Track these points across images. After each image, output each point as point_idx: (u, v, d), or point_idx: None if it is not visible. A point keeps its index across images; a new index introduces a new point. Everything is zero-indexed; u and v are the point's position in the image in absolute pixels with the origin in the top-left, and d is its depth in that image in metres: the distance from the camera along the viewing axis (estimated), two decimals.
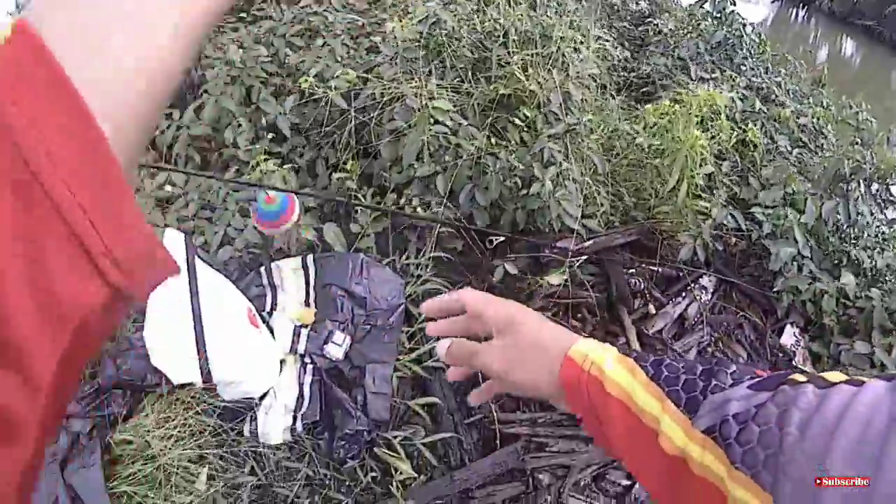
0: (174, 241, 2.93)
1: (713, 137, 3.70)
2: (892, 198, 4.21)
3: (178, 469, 2.93)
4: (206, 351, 2.95)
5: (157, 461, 2.90)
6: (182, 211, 3.45)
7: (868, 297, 3.63)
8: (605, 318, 3.72)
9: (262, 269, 3.47)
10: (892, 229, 4.22)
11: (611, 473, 3.40)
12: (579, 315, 3.65)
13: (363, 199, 3.50)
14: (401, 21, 3.56)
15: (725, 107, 3.72)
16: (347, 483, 3.25)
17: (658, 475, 0.75)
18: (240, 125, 3.58)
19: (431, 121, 3.33)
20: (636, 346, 3.59)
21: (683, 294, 3.86)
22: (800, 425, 0.62)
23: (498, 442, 3.41)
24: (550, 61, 3.63)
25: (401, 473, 3.23)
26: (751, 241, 3.96)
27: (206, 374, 2.97)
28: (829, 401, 0.62)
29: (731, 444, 0.66)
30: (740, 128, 4.09)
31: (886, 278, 3.94)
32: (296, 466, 3.23)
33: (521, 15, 3.68)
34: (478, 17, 3.70)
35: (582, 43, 3.76)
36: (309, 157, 3.66)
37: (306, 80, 3.45)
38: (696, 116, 3.56)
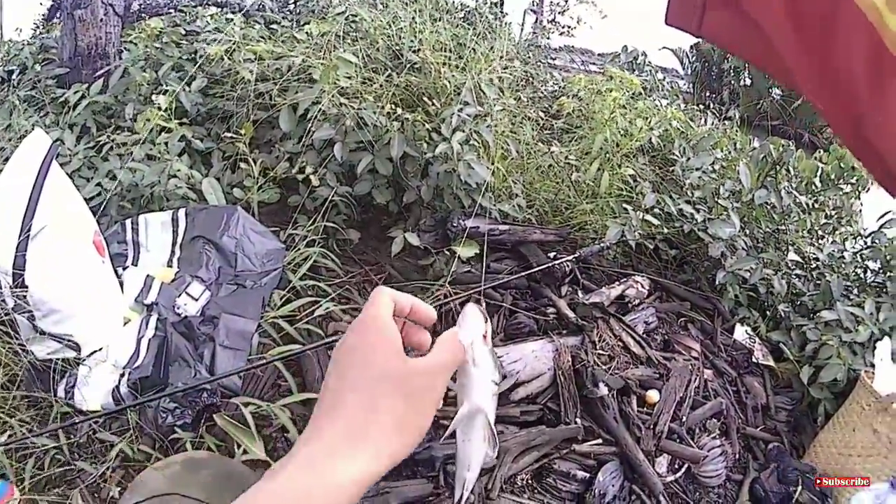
0: (38, 142, 2.64)
1: (631, 122, 3.55)
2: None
3: None
4: (25, 254, 2.48)
5: None
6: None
7: (820, 275, 3.24)
8: (526, 293, 3.19)
9: (129, 222, 3.06)
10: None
11: (559, 464, 2.62)
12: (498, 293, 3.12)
13: (252, 165, 3.21)
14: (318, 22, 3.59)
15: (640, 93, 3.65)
16: None
17: None
18: (144, 100, 3.44)
19: (334, 76, 3.17)
20: (569, 313, 3.01)
21: (618, 283, 3.34)
22: None
23: None
24: (463, 63, 3.59)
25: (245, 452, 2.47)
26: (683, 238, 3.56)
27: (20, 280, 2.46)
28: None
29: None
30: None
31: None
32: (110, 440, 2.50)
33: (438, 26, 3.72)
34: (394, 24, 3.73)
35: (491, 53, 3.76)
36: (206, 146, 3.43)
37: (216, 51, 3.37)
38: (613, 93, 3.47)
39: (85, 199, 2.93)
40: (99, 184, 3.12)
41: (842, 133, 0.91)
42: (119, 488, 2.39)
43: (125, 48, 3.76)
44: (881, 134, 0.81)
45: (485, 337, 0.88)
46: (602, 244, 3.27)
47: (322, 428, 0.68)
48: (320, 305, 2.96)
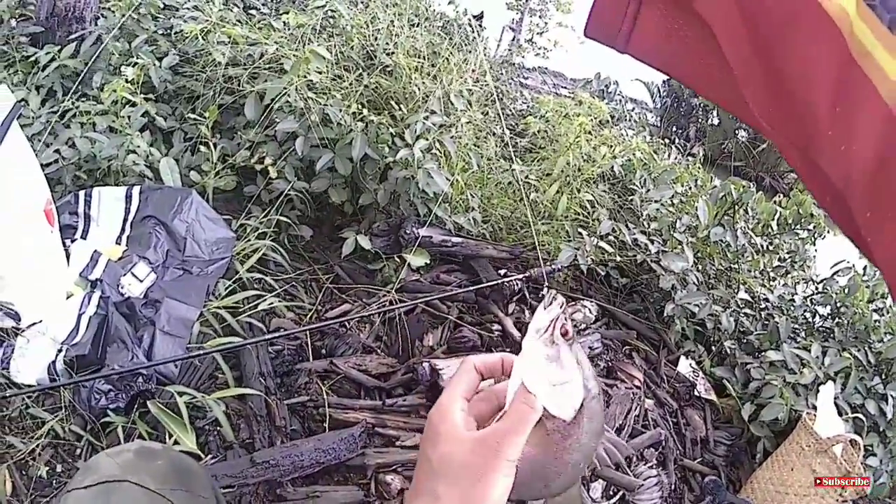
0: (2, 99, 2.54)
1: (595, 148, 3.60)
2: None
3: None
4: None
5: None
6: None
7: (769, 316, 3.30)
8: (473, 308, 3.19)
9: (82, 194, 2.99)
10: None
11: None
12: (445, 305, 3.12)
13: (212, 150, 3.17)
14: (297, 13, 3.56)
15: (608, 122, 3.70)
16: (104, 448, 2.41)
17: None
18: (113, 71, 3.39)
19: (305, 69, 3.15)
20: (514, 332, 3.01)
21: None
22: None
23: (327, 427, 2.68)
24: (435, 71, 3.60)
25: (176, 443, 2.42)
26: (635, 268, 3.60)
27: None
28: None
29: None
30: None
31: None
32: (42, 417, 2.42)
33: (415, 32, 3.73)
34: (371, 25, 3.73)
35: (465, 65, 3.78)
36: (169, 125, 3.38)
37: (191, 29, 3.32)
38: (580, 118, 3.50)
39: (41, 164, 2.85)
40: (57, 150, 3.05)
41: (789, 155, 0.83)
42: (48, 468, 2.33)
43: (102, 14, 3.69)
44: (846, 160, 0.70)
45: (559, 333, 0.81)
46: (554, 266, 3.29)
47: None
48: (265, 300, 2.93)
